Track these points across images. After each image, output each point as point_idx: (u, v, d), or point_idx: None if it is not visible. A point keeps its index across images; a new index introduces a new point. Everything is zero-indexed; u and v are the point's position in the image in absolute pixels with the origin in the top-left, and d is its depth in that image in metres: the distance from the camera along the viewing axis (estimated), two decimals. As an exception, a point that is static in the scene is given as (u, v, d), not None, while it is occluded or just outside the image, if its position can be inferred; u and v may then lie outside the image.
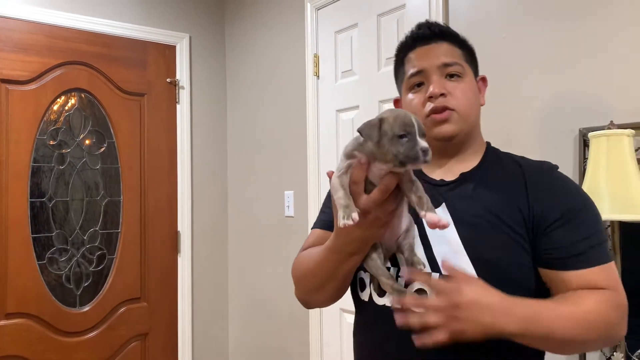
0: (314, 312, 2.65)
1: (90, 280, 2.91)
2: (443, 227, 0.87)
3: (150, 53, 3.12)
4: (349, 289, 1.16)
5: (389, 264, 1.06)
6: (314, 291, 1.13)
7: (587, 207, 1.05)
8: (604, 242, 1.02)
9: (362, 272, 1.12)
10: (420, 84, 1.12)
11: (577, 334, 0.91)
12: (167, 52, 3.19)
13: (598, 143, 1.50)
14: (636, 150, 1.51)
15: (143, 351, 3.06)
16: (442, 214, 1.04)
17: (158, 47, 3.15)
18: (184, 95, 3.22)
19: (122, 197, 3.02)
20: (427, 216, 0.88)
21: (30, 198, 2.74)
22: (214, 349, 3.32)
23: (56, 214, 2.83)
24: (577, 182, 1.68)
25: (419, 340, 0.87)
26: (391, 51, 2.29)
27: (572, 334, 0.91)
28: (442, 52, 1.12)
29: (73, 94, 2.90)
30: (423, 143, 0.87)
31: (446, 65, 1.10)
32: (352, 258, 1.01)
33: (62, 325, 2.80)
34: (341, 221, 0.90)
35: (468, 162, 1.14)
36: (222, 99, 3.41)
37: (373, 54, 2.39)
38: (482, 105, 1.19)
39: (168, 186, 3.18)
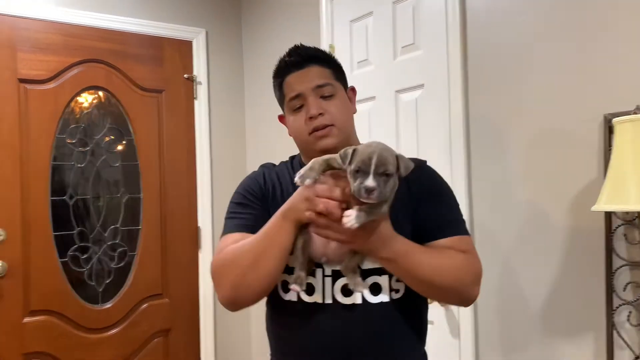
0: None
1: (112, 277, 2.93)
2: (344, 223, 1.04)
3: (166, 49, 3.11)
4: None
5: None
6: (245, 274, 1.12)
7: (447, 192, 1.28)
8: (461, 220, 1.25)
9: (286, 274, 1.20)
10: (300, 107, 1.27)
11: (434, 276, 1.11)
12: (184, 47, 3.17)
13: (623, 129, 1.41)
14: (664, 135, 1.41)
15: (165, 347, 3.07)
16: None
17: (174, 42, 3.14)
18: (201, 91, 3.21)
19: (142, 194, 3.02)
20: (348, 212, 1.05)
21: (51, 196, 2.76)
22: (236, 344, 3.31)
23: (77, 211, 2.84)
24: (601, 170, 1.60)
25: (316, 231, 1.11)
26: (407, 39, 2.25)
27: (430, 275, 1.11)
28: (314, 75, 1.26)
29: (91, 92, 2.91)
30: (370, 182, 0.99)
31: (319, 86, 1.25)
32: (294, 228, 1.12)
33: (85, 322, 2.82)
34: (296, 175, 1.08)
35: None
36: (240, 93, 3.38)
37: (389, 43, 2.32)
38: (354, 112, 1.35)
39: (188, 182, 3.17)
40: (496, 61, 1.90)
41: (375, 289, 1.19)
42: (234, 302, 1.18)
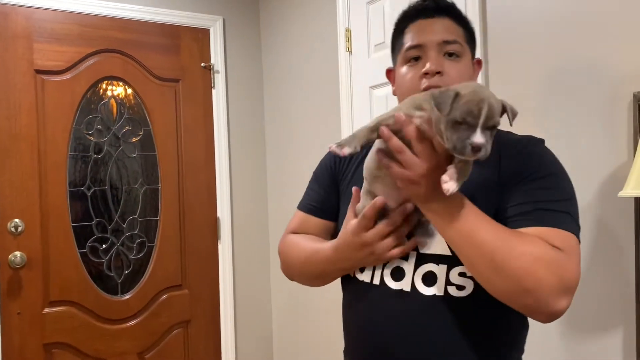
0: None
1: (131, 268, 2.92)
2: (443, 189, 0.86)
3: (183, 38, 3.07)
4: None
5: None
6: (303, 281, 1.27)
7: (556, 176, 1.00)
8: (570, 216, 0.95)
9: None
10: (416, 58, 1.08)
11: (498, 255, 0.87)
12: (201, 36, 3.12)
13: (654, 107, 1.29)
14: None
15: (186, 338, 3.05)
16: None
17: (191, 31, 3.09)
18: (219, 80, 3.15)
19: (160, 185, 3.00)
20: (447, 173, 0.87)
21: (69, 187, 2.76)
22: (257, 336, 3.27)
23: (95, 202, 2.84)
24: (631, 153, 1.47)
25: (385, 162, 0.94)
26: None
27: (493, 252, 0.87)
28: (444, 28, 1.08)
29: (107, 82, 2.89)
30: (478, 139, 0.81)
31: (446, 42, 1.07)
32: (345, 270, 1.14)
33: (104, 312, 2.82)
34: (332, 143, 0.94)
35: None
36: (259, 81, 3.32)
37: (406, 24, 2.21)
38: None
39: (206, 172, 3.13)
40: (516, 37, 1.78)
41: (429, 279, 1.02)
42: (292, 280, 1.32)
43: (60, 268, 2.71)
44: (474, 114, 0.81)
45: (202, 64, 3.11)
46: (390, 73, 1.21)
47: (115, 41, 2.88)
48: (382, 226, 1.01)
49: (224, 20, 3.17)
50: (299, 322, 3.07)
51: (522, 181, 0.98)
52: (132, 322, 2.89)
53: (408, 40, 1.10)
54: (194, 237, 3.08)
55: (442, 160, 0.89)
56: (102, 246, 2.85)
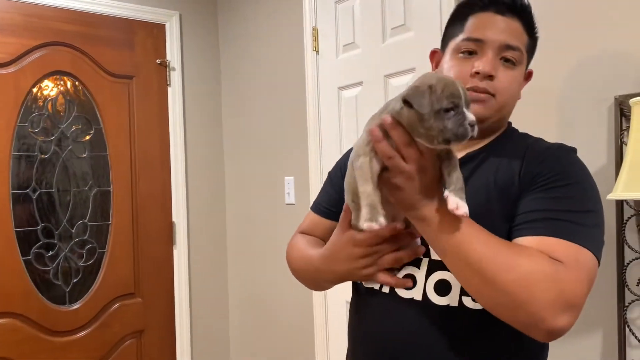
0: (319, 303, 2.48)
1: (80, 276, 2.74)
2: (459, 215, 0.81)
3: (138, 32, 2.92)
4: None
5: None
6: (309, 286, 1.24)
7: (578, 185, 0.91)
8: (587, 229, 0.87)
9: None
10: (471, 52, 1.01)
11: (487, 268, 0.81)
12: (156, 31, 2.98)
13: (641, 111, 1.31)
14: (686, 117, 1.31)
15: (139, 349, 2.89)
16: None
17: (146, 26, 2.95)
18: (175, 77, 3.02)
19: (112, 187, 2.83)
20: (450, 198, 0.82)
21: (12, 190, 2.55)
22: (214, 344, 3.15)
23: (41, 206, 2.64)
24: (612, 157, 1.49)
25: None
26: (397, 20, 2.11)
27: (481, 264, 0.81)
28: (511, 30, 1.01)
29: (55, 77, 2.70)
30: (471, 116, 0.80)
31: (508, 47, 1.00)
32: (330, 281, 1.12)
33: (51, 324, 2.63)
34: (364, 223, 0.84)
35: (482, 144, 1.05)
36: (216, 79, 3.20)
37: (377, 24, 2.18)
38: (518, 99, 1.09)
39: (161, 174, 2.99)
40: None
41: (442, 288, 0.95)
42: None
43: (2, 277, 2.50)
44: (458, 95, 0.80)
45: (158, 61, 2.97)
46: (434, 54, 1.13)
47: (64, 34, 2.70)
48: (380, 247, 0.98)
49: (180, 15, 3.04)
50: (257, 330, 2.98)
51: (538, 188, 0.91)
52: (82, 334, 2.71)
53: (469, 30, 1.02)
54: (148, 242, 2.93)
55: (429, 163, 0.84)
56: (48, 253, 2.65)
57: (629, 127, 1.37)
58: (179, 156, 3.02)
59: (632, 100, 1.34)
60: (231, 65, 3.12)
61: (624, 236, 1.47)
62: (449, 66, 1.04)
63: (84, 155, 2.77)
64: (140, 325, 2.90)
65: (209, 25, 3.17)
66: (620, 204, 1.48)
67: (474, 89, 0.98)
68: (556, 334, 0.80)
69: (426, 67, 1.94)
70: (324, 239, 1.17)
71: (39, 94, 2.65)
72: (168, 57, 3.00)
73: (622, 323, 1.47)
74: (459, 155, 0.97)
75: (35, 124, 2.63)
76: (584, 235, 0.86)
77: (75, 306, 2.71)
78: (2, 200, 2.52)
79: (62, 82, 2.72)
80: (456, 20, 1.07)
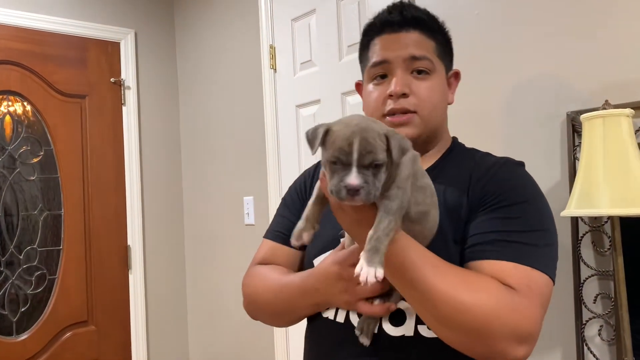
0: (279, 329, 2.41)
1: (28, 305, 2.60)
2: (362, 282, 0.73)
3: (90, 50, 2.84)
4: None
5: None
6: (268, 319, 1.12)
7: (528, 204, 0.89)
8: (539, 249, 0.85)
9: None
10: (383, 76, 1.01)
11: (441, 304, 0.77)
12: (110, 49, 2.90)
13: (592, 126, 1.30)
14: (636, 132, 1.31)
15: (92, 381, 2.76)
16: None
17: (99, 43, 2.87)
18: (130, 96, 2.94)
19: (63, 211, 2.72)
20: (360, 261, 0.74)
21: (-45, 215, 2.43)
22: (173, 372, 3.03)
23: (-14, 231, 2.51)
24: (565, 173, 1.48)
25: None
26: (353, 38, 2.08)
27: (435, 300, 0.77)
28: (412, 42, 0.99)
29: (2, 97, 2.59)
30: (352, 179, 0.71)
31: (414, 58, 0.98)
32: (314, 305, 0.99)
33: (-4, 356, 2.48)
34: (292, 238, 0.85)
35: (428, 160, 1.03)
36: (174, 98, 3.13)
37: (334, 42, 2.16)
38: (450, 103, 1.07)
39: (115, 196, 2.89)
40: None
41: (397, 318, 0.90)
42: (254, 318, 1.14)
43: (-58, 308, 2.36)
44: (344, 151, 0.72)
45: (112, 79, 2.89)
46: (358, 87, 1.13)
47: (12, 52, 2.60)
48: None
49: (135, 33, 2.98)
50: (219, 352, 2.88)
51: (487, 208, 0.88)
52: (29, 366, 2.57)
53: (373, 55, 1.02)
54: (102, 267, 2.82)
55: (363, 209, 0.78)
56: (-7, 281, 2.52)
57: (581, 143, 1.36)
58: (135, 177, 2.93)
59: (583, 116, 1.33)
60: (189, 83, 3.06)
61: (579, 253, 1.46)
62: (368, 94, 1.04)
63: (33, 178, 2.66)
64: (94, 354, 2.77)
65: (165, 43, 3.11)
66: (575, 220, 1.47)
67: (393, 112, 0.97)
68: None
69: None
70: (286, 267, 1.09)
71: (-16, 114, 2.54)
72: (123, 76, 2.92)
73: (580, 341, 1.45)
74: None
75: (-20, 146, 2.52)
76: (536, 256, 0.84)
77: (23, 337, 2.57)
78: (-57, 226, 2.39)
79: (9, 102, 2.61)
80: (362, 50, 1.08)
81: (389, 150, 0.74)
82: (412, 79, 0.98)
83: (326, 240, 1.00)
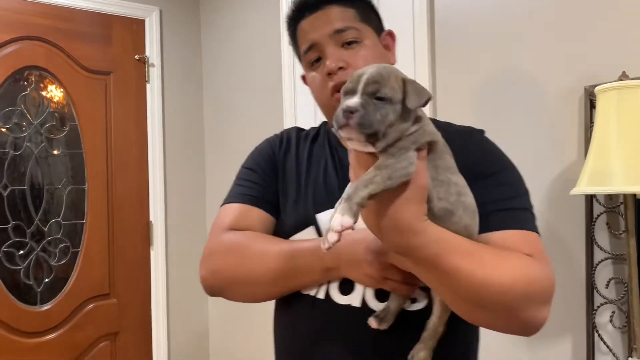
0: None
1: (52, 276, 2.67)
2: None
3: (115, 28, 2.86)
4: None
5: None
6: (241, 293, 1.01)
7: (509, 170, 0.94)
8: (530, 212, 0.91)
9: None
10: (318, 59, 1.00)
11: (487, 288, 0.75)
12: (135, 26, 2.92)
13: (607, 99, 1.22)
14: (654, 106, 1.22)
15: (113, 352, 2.82)
16: None
17: (125, 21, 2.89)
18: (154, 74, 2.96)
19: (87, 185, 2.77)
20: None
21: (-18, 187, 2.50)
22: (192, 348, 3.07)
23: (12, 203, 2.58)
24: (582, 151, 1.40)
25: None
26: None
27: (481, 286, 0.75)
28: (333, 17, 0.99)
29: (29, 72, 2.64)
30: (348, 102, 0.70)
31: (338, 31, 0.98)
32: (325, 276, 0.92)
33: (21, 325, 2.55)
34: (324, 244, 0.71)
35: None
36: (197, 76, 3.14)
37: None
38: (393, 63, 1.04)
39: (138, 172, 2.92)
40: (466, 43, 1.70)
41: (382, 293, 0.89)
42: (211, 293, 1.02)
43: (-30, 276, 2.44)
44: (354, 79, 0.73)
45: (136, 57, 2.91)
46: (304, 79, 1.11)
47: (39, 28, 2.64)
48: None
49: (160, 11, 2.98)
50: (237, 334, 2.90)
51: (476, 178, 0.86)
52: (52, 335, 2.63)
53: (302, 42, 1.03)
54: (124, 242, 2.86)
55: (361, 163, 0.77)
56: (19, 252, 2.59)
57: (596, 117, 1.28)
58: (157, 154, 2.95)
59: (597, 89, 1.25)
60: (213, 61, 3.06)
61: (593, 235, 1.38)
62: (310, 80, 1.03)
63: (58, 153, 2.71)
64: (115, 327, 2.82)
65: (190, 21, 3.11)
66: (589, 201, 1.39)
67: (336, 87, 0.95)
68: (541, 327, 0.82)
69: (399, 64, 1.87)
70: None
71: (11, 89, 2.59)
72: (147, 53, 2.94)
73: (591, 328, 1.38)
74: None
75: (8, 120, 2.58)
76: (531, 218, 0.90)
77: (47, 307, 2.64)
78: (-28, 197, 2.46)
79: (35, 77, 2.66)
80: (293, 42, 1.08)
81: (404, 98, 0.73)
82: (344, 51, 0.98)
83: (301, 219, 0.98)
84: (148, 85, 2.95)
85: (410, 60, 1.85)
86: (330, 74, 0.96)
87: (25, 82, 2.64)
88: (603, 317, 1.37)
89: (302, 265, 0.92)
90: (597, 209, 1.38)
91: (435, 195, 0.76)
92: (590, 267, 1.38)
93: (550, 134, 1.48)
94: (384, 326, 0.86)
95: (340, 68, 0.96)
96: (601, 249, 1.36)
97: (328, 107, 1.00)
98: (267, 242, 0.97)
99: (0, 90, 2.55)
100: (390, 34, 1.07)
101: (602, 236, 1.37)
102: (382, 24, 1.07)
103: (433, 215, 0.77)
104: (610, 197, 1.35)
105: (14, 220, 2.58)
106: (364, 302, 0.90)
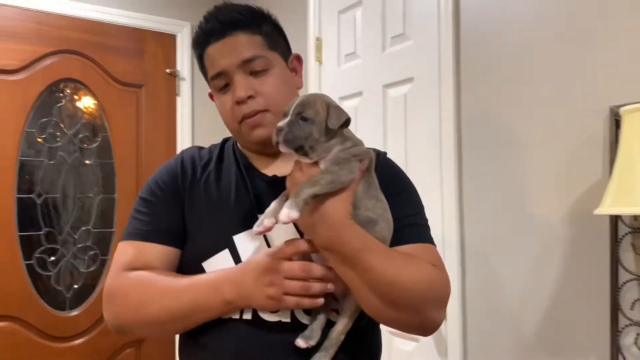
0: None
1: (81, 283, 2.74)
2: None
3: (148, 42, 2.95)
4: None
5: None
6: (151, 329, 0.99)
7: (412, 189, 1.06)
8: (428, 226, 1.04)
9: None
10: (226, 86, 1.03)
11: (397, 286, 0.85)
12: (167, 41, 3.00)
13: (632, 120, 1.22)
14: (680, 127, 1.21)
15: (138, 359, 2.87)
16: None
17: (157, 35, 2.97)
18: (184, 87, 3.03)
19: (116, 194, 2.84)
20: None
21: (18, 194, 2.58)
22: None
23: (45, 211, 2.66)
24: (607, 170, 1.40)
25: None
26: (398, 29, 2.06)
27: (392, 284, 0.85)
28: (240, 45, 1.00)
29: (64, 84, 2.74)
30: (279, 123, 0.87)
31: (247, 61, 1.00)
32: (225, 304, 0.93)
33: (50, 329, 2.63)
34: (255, 227, 0.90)
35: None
36: (226, 91, 3.19)
37: (378, 34, 2.13)
38: (299, 88, 1.11)
39: (167, 183, 2.97)
40: (491, 52, 1.71)
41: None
42: (119, 332, 1.01)
43: (3, 280, 2.52)
44: (289, 105, 0.88)
45: (167, 70, 2.99)
46: (212, 97, 1.12)
47: (75, 42, 2.74)
48: (306, 264, 0.89)
49: (191, 26, 3.06)
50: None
51: (390, 195, 0.96)
52: (80, 340, 2.70)
53: (209, 68, 1.04)
54: (151, 251, 2.91)
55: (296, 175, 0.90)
56: (50, 258, 2.67)
57: (621, 138, 1.28)
58: (186, 166, 3.01)
59: (622, 110, 1.25)
60: (241, 76, 3.11)
61: (618, 256, 1.37)
62: (219, 104, 1.06)
63: (90, 162, 2.79)
64: (140, 334, 2.87)
65: (219, 36, 3.17)
66: (614, 221, 1.38)
67: (247, 116, 1.00)
68: (437, 328, 0.95)
69: (425, 76, 1.90)
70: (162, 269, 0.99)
71: (47, 100, 2.69)
72: (178, 67, 3.02)
73: (615, 349, 1.36)
74: (287, 172, 0.96)
75: (43, 130, 2.67)
76: (429, 233, 1.03)
77: (75, 312, 2.70)
78: (7, 204, 2.55)
79: (71, 89, 2.75)
80: (199, 60, 1.08)
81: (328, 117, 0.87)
82: (252, 79, 1.00)
83: (215, 243, 0.98)
84: (178, 99, 3.02)
85: (435, 84, 1.87)
86: (239, 103, 0.99)
87: (61, 94, 2.73)
88: (628, 339, 1.35)
89: (202, 300, 0.92)
90: (622, 229, 1.37)
91: (363, 205, 0.89)
92: (615, 288, 1.37)
93: (575, 152, 1.48)
94: (312, 343, 0.91)
95: (250, 97, 0.99)
96: (626, 270, 1.35)
97: (236, 131, 1.05)
98: (165, 281, 0.96)
99: (38, 102, 2.64)
100: (298, 58, 1.11)
101: (627, 257, 1.36)
102: (289, 47, 1.10)
103: (359, 222, 0.88)
104: (635, 218, 1.34)
105: (47, 227, 2.66)
106: (293, 316, 0.94)
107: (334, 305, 0.95)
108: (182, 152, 1.13)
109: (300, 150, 0.86)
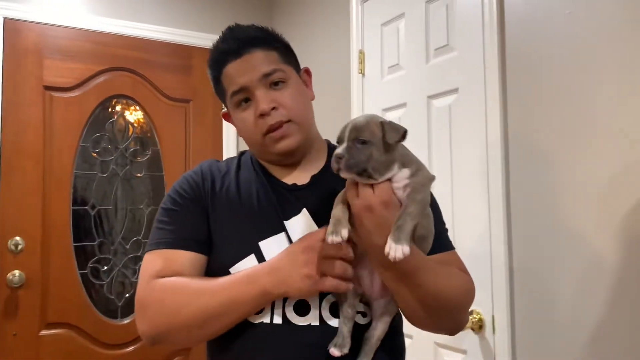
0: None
1: (132, 292, 2.83)
2: (391, 259, 0.84)
3: (195, 58, 3.04)
4: None
5: None
6: (190, 333, 0.97)
7: (434, 199, 1.08)
8: (447, 229, 1.12)
9: None
10: (245, 100, 1.06)
11: (444, 296, 0.95)
12: (213, 56, 3.08)
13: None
14: None
15: (186, 367, 2.93)
16: (304, 218, 1.04)
17: (203, 52, 3.04)
18: (230, 101, 3.10)
19: (165, 206, 2.92)
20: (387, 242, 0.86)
21: (73, 206, 2.70)
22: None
23: (98, 222, 2.77)
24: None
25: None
26: (441, 41, 2.06)
27: (439, 295, 0.94)
28: (259, 61, 1.05)
29: (116, 100, 2.85)
30: (339, 149, 0.88)
31: (266, 75, 1.05)
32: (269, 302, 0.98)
33: (102, 337, 2.72)
34: (329, 236, 0.88)
35: (315, 163, 1.14)
36: (270, 104, 3.25)
37: (421, 45, 2.14)
38: (312, 99, 1.17)
39: (213, 195, 3.05)
40: (537, 61, 1.69)
41: (335, 309, 0.99)
42: (154, 343, 1.00)
43: (59, 289, 2.63)
44: (341, 130, 0.90)
45: (214, 85, 3.06)
46: (226, 116, 1.17)
47: (126, 60, 2.86)
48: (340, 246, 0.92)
49: (237, 41, 3.13)
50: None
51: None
52: (131, 348, 2.78)
53: (229, 86, 1.06)
54: (199, 261, 2.98)
55: (373, 202, 0.89)
56: (103, 267, 2.77)
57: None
58: (231, 178, 3.07)
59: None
60: (284, 89, 3.16)
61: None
62: (239, 121, 1.08)
63: (141, 175, 2.89)
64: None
65: (264, 50, 3.24)
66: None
67: (272, 129, 1.03)
68: (464, 327, 1.13)
69: (470, 86, 1.90)
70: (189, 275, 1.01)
71: (101, 116, 2.80)
72: (224, 82, 3.09)
73: (673, 366, 1.32)
74: (305, 180, 1.09)
75: (97, 144, 2.78)
76: (449, 239, 1.11)
77: (126, 321, 2.79)
78: (63, 215, 2.66)
79: (122, 105, 2.86)
80: (215, 84, 1.12)
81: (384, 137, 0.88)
82: (273, 92, 1.04)
83: (241, 249, 1.01)
84: (224, 112, 3.09)
85: (481, 95, 1.86)
86: (263, 115, 1.02)
87: (113, 110, 2.85)
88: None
89: (238, 295, 0.94)
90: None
91: (419, 223, 0.91)
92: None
93: (627, 167, 1.44)
94: (345, 350, 0.93)
95: (273, 109, 1.03)
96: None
97: (260, 144, 1.07)
98: (199, 283, 0.98)
99: (92, 117, 2.76)
100: (307, 71, 1.18)
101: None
102: (298, 62, 1.16)
103: (415, 239, 0.91)
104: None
105: (100, 238, 2.77)
106: (321, 319, 0.97)
107: (359, 308, 0.99)
108: (201, 163, 1.16)
109: (364, 173, 0.87)
